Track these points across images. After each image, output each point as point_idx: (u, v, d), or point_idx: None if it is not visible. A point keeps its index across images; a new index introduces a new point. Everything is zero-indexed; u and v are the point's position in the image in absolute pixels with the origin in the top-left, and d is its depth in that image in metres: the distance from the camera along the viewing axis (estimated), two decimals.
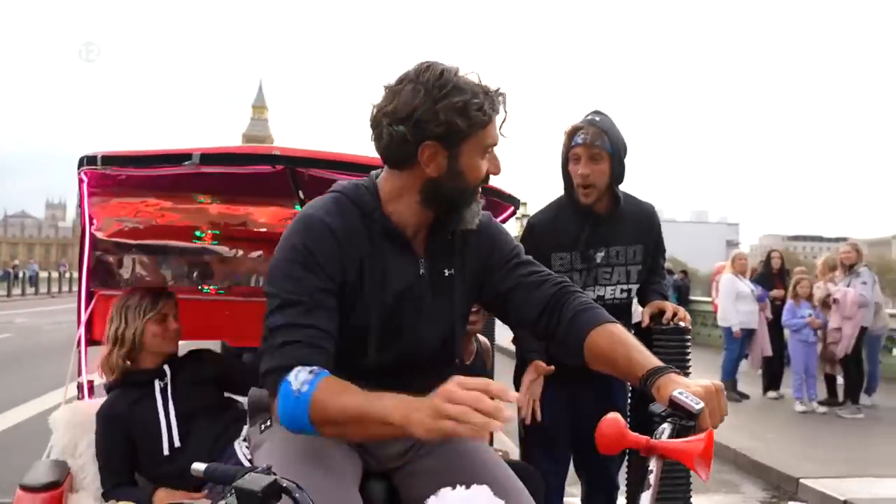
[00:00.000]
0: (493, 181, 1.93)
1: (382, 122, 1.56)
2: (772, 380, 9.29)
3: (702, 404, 1.36)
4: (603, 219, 2.75)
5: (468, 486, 1.33)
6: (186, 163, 2.26)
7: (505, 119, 1.62)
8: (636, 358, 1.55)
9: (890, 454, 6.27)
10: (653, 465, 1.32)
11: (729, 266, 9.51)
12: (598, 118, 2.69)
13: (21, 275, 38.01)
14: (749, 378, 10.03)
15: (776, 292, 9.24)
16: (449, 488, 1.22)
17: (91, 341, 3.06)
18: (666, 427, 1.36)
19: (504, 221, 3.04)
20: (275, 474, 1.19)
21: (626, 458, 2.55)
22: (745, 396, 8.97)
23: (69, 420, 2.75)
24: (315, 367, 1.43)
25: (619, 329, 1.64)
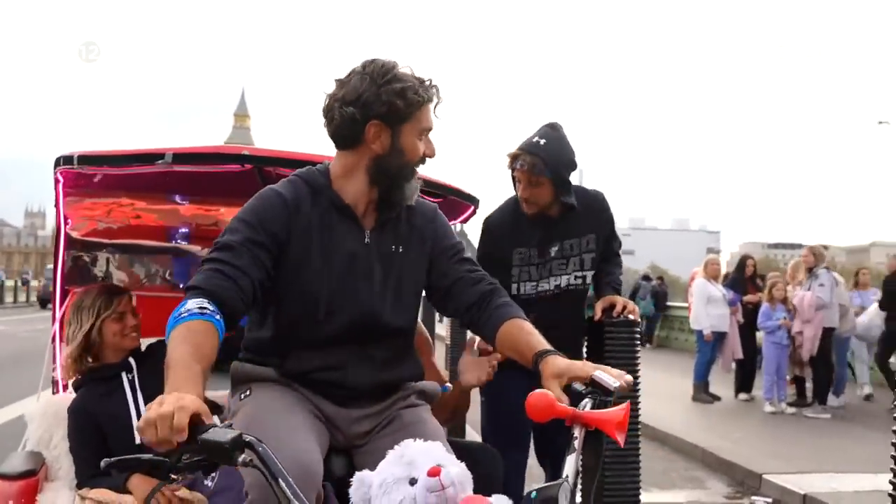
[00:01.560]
0: (453, 181, 2.15)
1: (334, 106, 1.81)
2: (744, 382, 9.47)
3: (618, 382, 1.52)
4: (555, 220, 2.91)
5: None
6: (159, 161, 2.38)
7: (437, 104, 1.88)
8: (532, 343, 1.80)
9: (851, 451, 6.46)
10: (577, 432, 1.45)
11: (701, 271, 9.70)
12: (542, 141, 2.80)
13: (1, 283, 37.65)
14: (722, 379, 10.23)
15: (750, 297, 9.42)
16: (411, 440, 1.34)
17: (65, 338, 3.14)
18: (587, 401, 1.51)
19: (465, 221, 3.19)
20: (238, 433, 1.27)
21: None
22: (716, 398, 9.15)
23: (44, 413, 2.84)
24: (210, 308, 1.57)
25: (525, 323, 1.90)
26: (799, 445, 6.66)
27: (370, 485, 1.25)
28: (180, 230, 3.41)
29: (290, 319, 1.83)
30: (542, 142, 2.79)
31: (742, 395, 9.35)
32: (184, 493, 2.47)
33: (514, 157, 2.80)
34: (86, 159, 2.49)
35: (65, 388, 3.05)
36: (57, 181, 2.70)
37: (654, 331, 17.35)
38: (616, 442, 1.42)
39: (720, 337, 9.31)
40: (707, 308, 9.30)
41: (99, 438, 2.58)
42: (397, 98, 1.78)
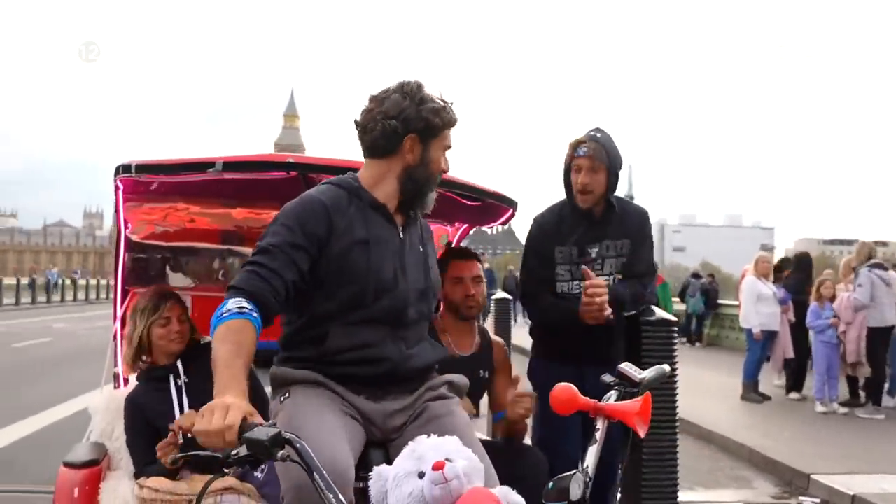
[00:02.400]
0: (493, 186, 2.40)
1: (377, 118, 2.02)
2: (795, 382, 9.33)
3: (643, 374, 1.58)
4: (598, 220, 3.01)
5: None
6: (211, 170, 2.52)
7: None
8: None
9: None
10: (599, 424, 1.52)
11: (752, 268, 9.57)
12: (598, 135, 2.98)
13: (60, 282, 38.86)
14: (772, 379, 10.11)
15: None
16: (423, 436, 1.42)
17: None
18: (613, 393, 1.58)
19: (505, 223, 3.26)
20: (279, 430, 1.39)
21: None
22: (766, 398, 9.04)
23: (106, 407, 3.01)
24: (248, 307, 1.74)
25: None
26: (850, 446, 6.55)
27: (386, 478, 1.34)
28: (232, 233, 3.56)
29: (338, 305, 1.96)
30: (599, 135, 2.96)
31: (793, 395, 9.21)
32: (234, 483, 2.61)
33: (578, 143, 2.95)
34: (143, 168, 2.64)
35: (125, 382, 3.22)
36: (117, 188, 2.85)
37: (704, 329, 17.13)
38: (636, 433, 1.47)
39: (771, 336, 9.19)
40: (757, 306, 9.17)
41: (149, 431, 2.72)
42: (434, 116, 2.02)
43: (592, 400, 1.54)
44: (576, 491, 1.31)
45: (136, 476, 2.71)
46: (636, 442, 2.83)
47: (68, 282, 39.63)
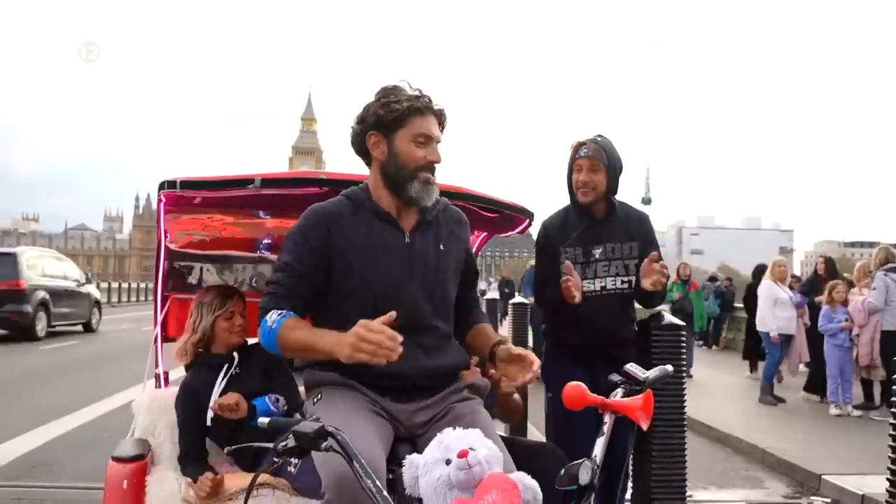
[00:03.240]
0: (509, 197, 2.70)
1: (351, 127, 2.20)
2: (814, 384, 9.40)
3: (647, 374, 1.75)
4: (600, 220, 3.23)
5: None
6: (250, 186, 2.73)
7: (443, 119, 2.20)
8: (490, 337, 2.30)
9: None
10: (607, 418, 1.70)
11: (768, 273, 9.66)
12: (599, 138, 3.22)
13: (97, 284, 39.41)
14: (790, 382, 10.20)
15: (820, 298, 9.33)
16: (450, 428, 1.59)
17: (166, 339, 3.53)
18: (619, 391, 1.75)
19: (521, 232, 3.44)
20: (322, 424, 1.58)
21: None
22: (781, 400, 9.14)
23: (149, 406, 3.21)
24: (284, 311, 2.03)
25: (486, 327, 2.38)
26: (862, 448, 6.65)
27: (417, 465, 1.51)
28: (264, 241, 3.76)
29: (345, 315, 2.02)
30: (600, 138, 3.20)
31: (810, 397, 9.30)
32: (269, 478, 2.80)
33: (579, 145, 3.18)
34: (187, 184, 2.84)
35: (166, 382, 3.42)
36: (160, 201, 3.05)
37: (721, 332, 17.16)
38: (639, 425, 1.64)
39: (787, 339, 9.29)
40: (774, 310, 9.28)
41: (199, 413, 2.91)
42: (381, 108, 2.12)
43: (600, 397, 1.72)
44: (584, 476, 1.48)
45: (179, 461, 2.92)
46: (642, 434, 3.03)
47: (113, 285, 40.14)
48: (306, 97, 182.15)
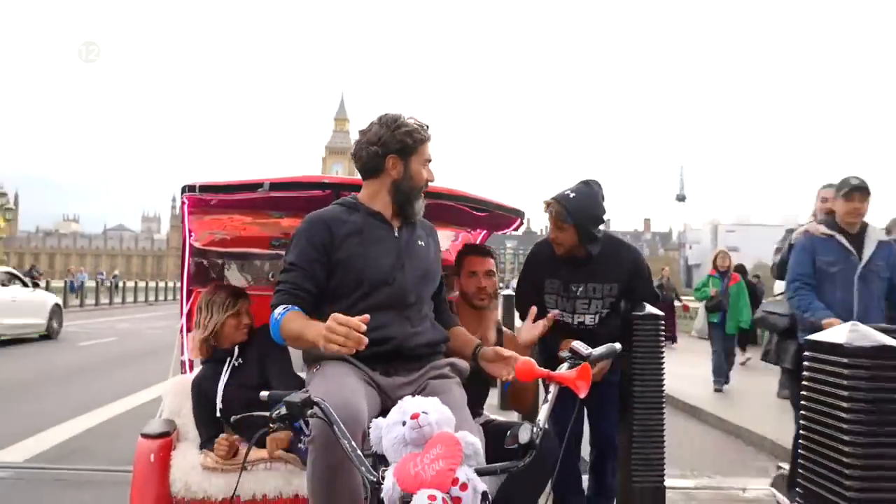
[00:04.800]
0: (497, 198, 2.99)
1: (362, 147, 2.53)
2: None
3: (590, 350, 2.01)
4: (581, 262, 3.43)
5: None
6: (260, 189, 3.04)
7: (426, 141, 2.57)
8: (469, 340, 2.66)
9: None
10: (552, 388, 1.96)
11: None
12: (571, 195, 3.33)
13: (122, 284, 40.38)
14: None
15: None
16: (408, 397, 1.85)
17: (190, 329, 3.85)
18: (565, 365, 2.01)
19: (516, 229, 3.71)
20: (308, 394, 1.86)
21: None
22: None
23: (175, 389, 3.54)
24: (288, 306, 2.33)
25: (461, 330, 2.74)
26: None
27: (381, 427, 1.75)
28: (280, 239, 4.07)
29: (345, 297, 2.42)
30: (572, 195, 3.33)
31: None
32: (281, 454, 3.10)
33: (546, 205, 3.39)
34: (205, 188, 3.16)
35: (191, 368, 3.74)
36: (183, 203, 3.37)
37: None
38: (576, 393, 1.89)
39: None
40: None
41: (212, 406, 3.23)
42: (407, 137, 2.50)
43: (546, 370, 1.98)
44: (524, 437, 1.74)
45: (202, 446, 3.24)
46: (624, 416, 3.29)
47: (151, 284, 41.26)
48: (339, 98, 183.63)
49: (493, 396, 4.06)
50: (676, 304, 18.52)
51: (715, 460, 6.66)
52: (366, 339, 2.00)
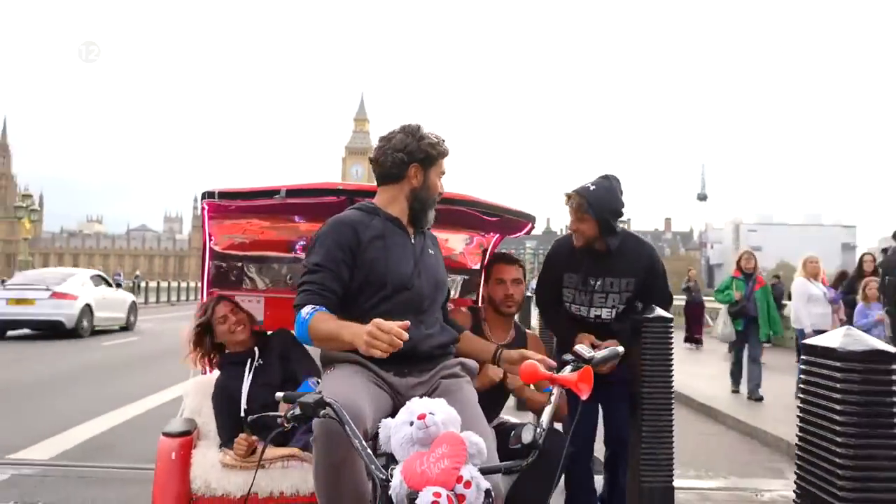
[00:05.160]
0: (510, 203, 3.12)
1: (387, 152, 2.61)
2: None
3: (593, 353, 2.07)
4: (601, 255, 3.50)
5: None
6: (277, 196, 3.13)
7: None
8: (486, 346, 2.89)
9: None
10: (555, 390, 2.03)
11: (800, 270, 9.74)
12: (591, 187, 3.41)
13: (144, 284, 40.83)
14: None
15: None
16: (416, 398, 1.93)
17: None
18: (568, 367, 2.08)
19: (528, 233, 3.79)
20: (322, 394, 1.94)
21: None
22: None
23: (195, 389, 3.65)
24: (317, 306, 2.36)
25: (471, 335, 2.96)
26: None
27: (389, 427, 1.85)
28: (299, 242, 4.16)
29: (366, 299, 2.50)
30: (592, 188, 3.41)
31: None
32: (298, 452, 3.20)
33: (568, 197, 3.46)
34: (224, 195, 3.26)
35: (212, 368, 3.85)
36: (203, 208, 3.47)
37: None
38: (578, 395, 1.95)
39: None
40: (808, 307, 9.34)
41: (232, 407, 3.34)
42: (432, 149, 2.60)
43: (549, 372, 2.05)
44: (527, 437, 1.82)
45: (222, 445, 3.34)
46: (635, 417, 3.35)
47: (173, 284, 41.64)
48: (359, 99, 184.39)
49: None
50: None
51: (730, 461, 6.69)
52: (401, 344, 2.08)
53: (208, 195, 3.29)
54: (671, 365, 3.35)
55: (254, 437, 3.18)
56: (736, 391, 9.75)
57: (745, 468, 6.43)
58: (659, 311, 3.39)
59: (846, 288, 10.29)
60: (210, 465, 3.22)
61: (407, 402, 1.86)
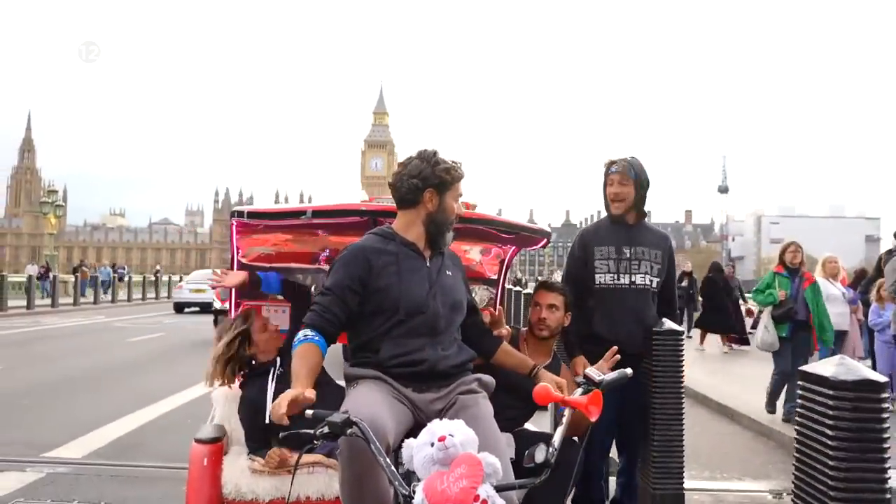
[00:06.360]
0: (524, 220, 2.98)
1: (403, 179, 2.73)
2: None
3: (602, 377, 2.20)
4: (632, 227, 3.78)
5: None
6: (303, 217, 3.28)
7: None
8: (525, 359, 3.00)
9: None
10: (566, 412, 2.16)
11: (819, 270, 9.75)
12: (629, 157, 3.76)
13: (168, 278, 41.26)
14: None
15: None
16: (437, 419, 2.07)
17: None
18: (579, 390, 2.21)
19: (544, 247, 3.92)
20: (349, 414, 2.09)
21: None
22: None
23: (225, 396, 3.81)
24: (312, 334, 2.51)
25: (510, 348, 3.04)
26: None
27: (412, 447, 1.98)
28: (323, 253, 4.32)
29: (382, 322, 2.63)
30: (630, 157, 3.74)
31: None
32: (323, 458, 3.35)
33: (611, 163, 3.74)
34: (252, 215, 3.42)
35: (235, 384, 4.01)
36: (232, 224, 3.64)
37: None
38: (587, 417, 2.09)
39: (840, 335, 9.35)
40: (826, 307, 9.35)
41: (258, 417, 3.50)
42: (446, 174, 2.71)
43: (561, 395, 2.18)
44: (539, 456, 1.95)
45: (250, 452, 3.50)
46: (647, 427, 3.48)
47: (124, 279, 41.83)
48: (378, 92, 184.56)
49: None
50: (747, 306, 17.78)
51: (745, 462, 6.76)
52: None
53: (237, 214, 3.44)
54: (682, 376, 3.48)
55: (286, 451, 3.32)
56: (772, 412, 8.27)
57: (760, 469, 6.50)
58: (669, 325, 3.50)
59: (864, 288, 10.30)
60: (240, 470, 3.38)
61: (428, 424, 2.00)
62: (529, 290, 8.26)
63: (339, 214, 3.34)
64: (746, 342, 16.32)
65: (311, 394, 2.25)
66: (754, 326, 20.17)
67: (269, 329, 3.60)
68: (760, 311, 8.36)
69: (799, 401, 2.19)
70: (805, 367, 2.15)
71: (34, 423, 7.37)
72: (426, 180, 2.69)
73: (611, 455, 4.27)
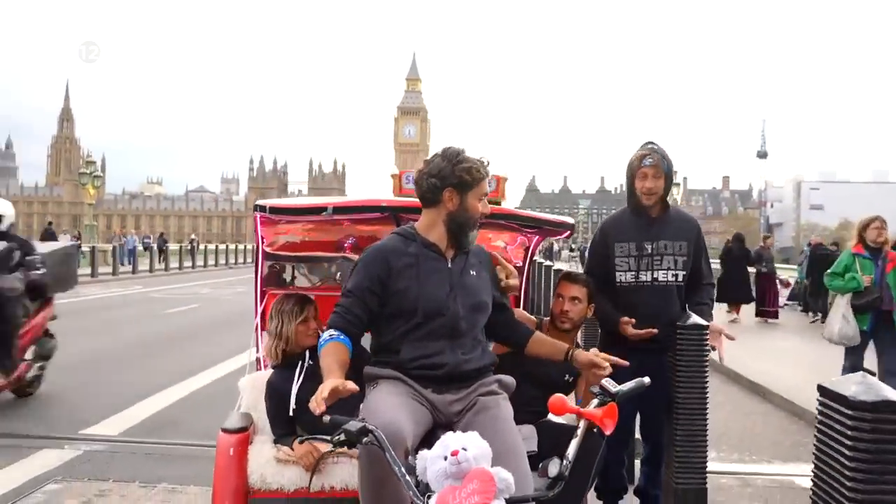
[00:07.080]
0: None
1: (423, 178, 2.70)
2: None
3: (619, 388, 2.18)
4: (654, 220, 3.68)
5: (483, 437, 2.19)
6: (324, 213, 3.28)
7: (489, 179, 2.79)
8: (558, 344, 2.93)
9: None
10: (581, 424, 2.15)
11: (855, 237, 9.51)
12: (656, 147, 3.66)
13: (204, 247, 41.82)
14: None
15: None
16: (451, 432, 2.07)
17: (264, 328, 4.15)
18: (595, 401, 2.20)
19: (567, 238, 3.90)
20: (365, 422, 2.10)
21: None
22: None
23: (252, 386, 3.85)
24: (337, 334, 2.54)
25: (542, 335, 2.99)
26: None
27: (426, 459, 1.98)
28: (348, 241, 4.33)
29: (401, 324, 2.63)
30: (656, 146, 3.66)
31: None
32: (344, 450, 3.38)
33: (644, 155, 3.63)
34: (275, 210, 3.42)
35: (265, 366, 4.06)
36: (255, 217, 3.66)
37: (818, 301, 16.45)
38: (602, 430, 2.08)
39: None
40: None
41: (285, 405, 3.54)
42: (466, 173, 2.66)
43: (576, 407, 2.17)
44: (553, 470, 1.95)
45: (276, 442, 3.55)
46: (671, 422, 3.46)
47: (231, 247, 42.20)
48: (411, 58, 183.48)
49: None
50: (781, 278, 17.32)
51: (776, 444, 6.70)
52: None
53: (261, 208, 3.46)
54: (706, 371, 3.44)
55: (314, 449, 3.35)
56: None
57: (790, 451, 6.44)
58: (694, 318, 3.46)
59: None
60: (265, 460, 3.43)
61: (442, 437, 2.00)
62: (562, 262, 8.15)
63: (360, 210, 3.34)
64: (775, 315, 16.16)
65: (352, 385, 2.27)
66: (791, 298, 20.03)
67: (310, 326, 3.60)
68: (834, 297, 7.35)
69: (818, 417, 2.15)
70: (824, 383, 2.11)
71: (75, 400, 7.56)
72: (445, 179, 2.65)
73: (637, 437, 4.27)
